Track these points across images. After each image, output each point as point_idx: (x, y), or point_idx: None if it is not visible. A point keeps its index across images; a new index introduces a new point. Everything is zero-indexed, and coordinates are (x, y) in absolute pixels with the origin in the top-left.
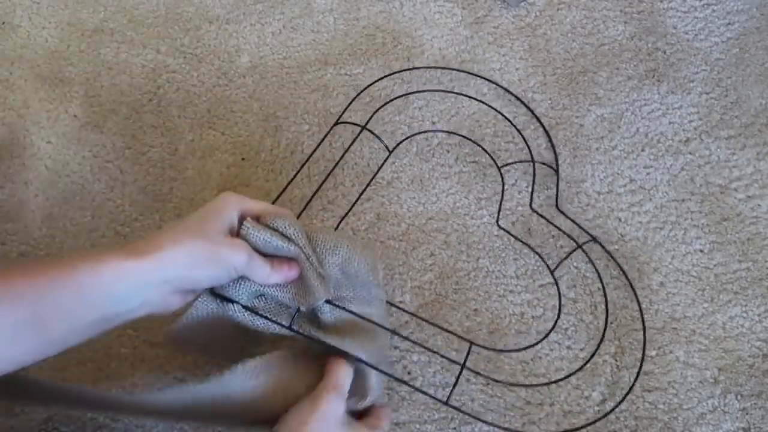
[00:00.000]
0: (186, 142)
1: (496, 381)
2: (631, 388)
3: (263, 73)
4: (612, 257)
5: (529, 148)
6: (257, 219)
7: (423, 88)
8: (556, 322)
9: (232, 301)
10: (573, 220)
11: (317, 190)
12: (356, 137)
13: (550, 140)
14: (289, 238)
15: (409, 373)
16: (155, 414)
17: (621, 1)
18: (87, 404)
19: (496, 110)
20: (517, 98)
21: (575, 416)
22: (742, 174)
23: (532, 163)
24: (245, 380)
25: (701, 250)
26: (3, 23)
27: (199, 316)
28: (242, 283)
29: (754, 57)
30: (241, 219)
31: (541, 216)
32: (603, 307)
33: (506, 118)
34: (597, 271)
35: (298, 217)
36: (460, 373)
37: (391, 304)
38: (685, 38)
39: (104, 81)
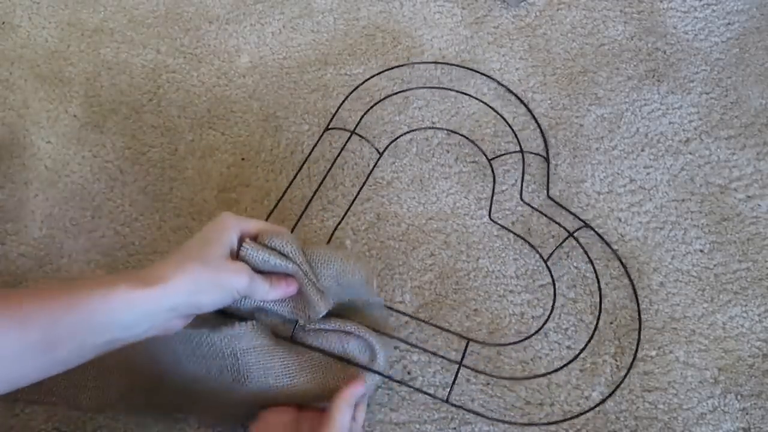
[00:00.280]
0: (186, 142)
1: (493, 376)
2: (624, 378)
3: (263, 73)
4: (607, 243)
5: (517, 138)
6: (255, 238)
7: (422, 90)
8: (550, 313)
9: (234, 317)
10: (564, 207)
11: (312, 198)
12: (346, 142)
13: (539, 127)
14: (286, 256)
15: (409, 373)
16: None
17: (621, 1)
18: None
19: (486, 104)
20: (502, 85)
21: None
22: (742, 174)
23: (521, 154)
24: (252, 339)
25: (701, 250)
26: (3, 23)
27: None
28: (243, 299)
29: (754, 57)
30: (240, 240)
31: (531, 207)
32: (603, 307)
33: (495, 110)
34: (589, 257)
35: (299, 218)
36: (458, 370)
37: (390, 308)
38: (685, 38)
39: (104, 81)
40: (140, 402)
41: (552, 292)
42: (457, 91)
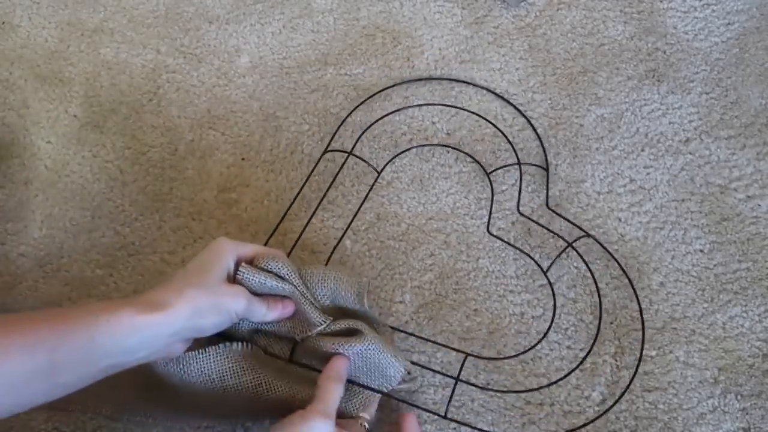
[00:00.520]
0: (186, 142)
1: (488, 389)
2: (629, 385)
3: (263, 73)
4: (607, 251)
5: (515, 150)
6: (251, 262)
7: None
8: (550, 325)
9: (233, 340)
10: (564, 217)
11: (309, 220)
12: (343, 163)
13: (538, 137)
14: (283, 278)
15: (409, 373)
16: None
17: (621, 1)
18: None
19: (485, 119)
20: (499, 96)
21: (575, 416)
22: (742, 174)
23: (518, 166)
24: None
25: (701, 250)
26: (3, 23)
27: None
28: (241, 321)
29: (754, 57)
30: (237, 264)
31: (529, 219)
32: (603, 307)
33: (494, 125)
34: (588, 266)
35: (297, 240)
36: (455, 387)
37: (392, 327)
38: (685, 38)
39: (104, 81)
40: (161, 412)
41: (558, 290)
42: (454, 107)
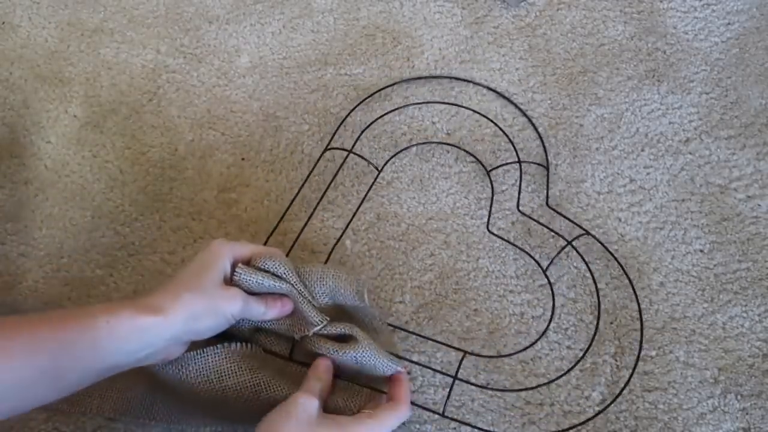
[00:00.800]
0: (186, 142)
1: (487, 388)
2: (629, 380)
3: (263, 73)
4: (607, 249)
5: (515, 148)
6: (248, 262)
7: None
8: (549, 323)
9: (234, 338)
10: (564, 216)
11: (308, 219)
12: (343, 161)
13: (539, 135)
14: (280, 277)
15: (409, 373)
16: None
17: (621, 1)
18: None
19: (485, 116)
20: (500, 94)
21: (575, 416)
22: (742, 174)
23: (518, 164)
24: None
25: (701, 250)
26: (3, 23)
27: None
28: (241, 321)
29: (754, 57)
30: (234, 265)
31: (529, 217)
32: (603, 307)
33: (494, 122)
34: (587, 265)
35: (296, 240)
36: (452, 385)
37: (390, 325)
38: (685, 38)
39: (104, 81)
40: (162, 413)
41: (558, 290)
42: (456, 105)
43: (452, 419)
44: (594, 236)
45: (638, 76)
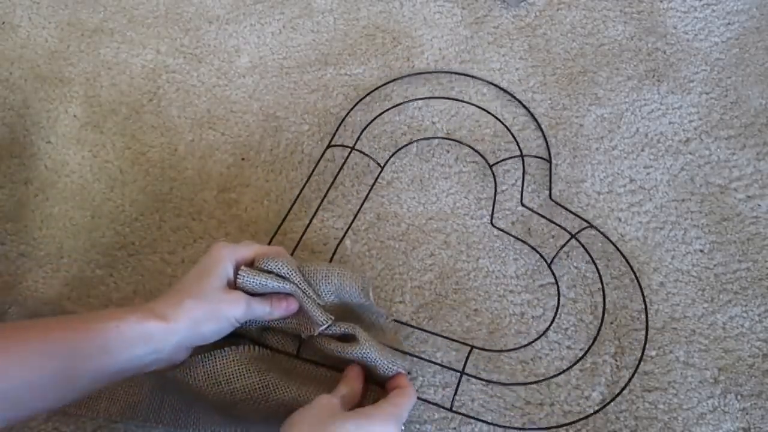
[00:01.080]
0: (186, 142)
1: (495, 383)
2: (631, 377)
3: (263, 73)
4: (611, 241)
5: (517, 142)
6: (251, 263)
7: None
8: (554, 317)
9: (241, 339)
10: (567, 209)
11: (321, 202)
12: (346, 158)
13: (540, 128)
14: (284, 278)
15: (409, 373)
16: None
17: (621, 1)
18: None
19: (486, 111)
20: (502, 90)
21: (575, 416)
22: (742, 174)
23: (521, 158)
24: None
25: (701, 250)
26: (3, 23)
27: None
28: (247, 321)
29: (754, 57)
30: (237, 268)
31: (532, 211)
32: (603, 307)
33: (495, 116)
34: (592, 258)
35: (299, 241)
36: (460, 378)
37: (396, 321)
38: (685, 38)
39: (104, 81)
40: (169, 418)
41: (554, 292)
42: (456, 99)
43: (461, 414)
44: (597, 228)
45: (638, 76)
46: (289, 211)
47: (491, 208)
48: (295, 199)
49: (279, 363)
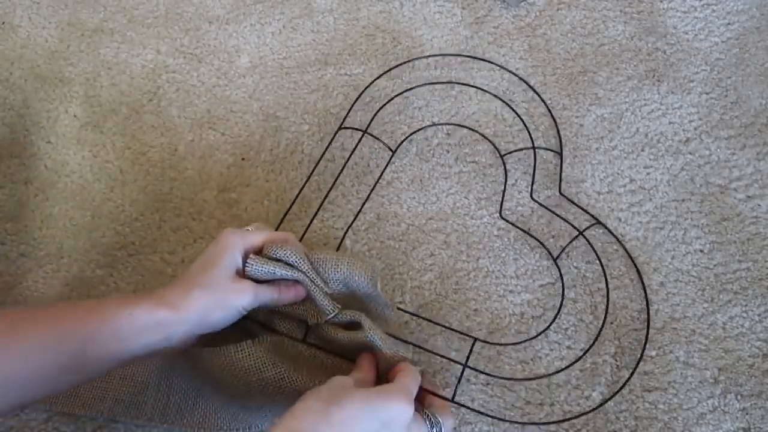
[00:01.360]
0: (186, 142)
1: (497, 377)
2: (630, 377)
3: (263, 73)
4: (617, 238)
5: (529, 133)
6: (260, 250)
7: (419, 84)
8: (558, 311)
9: (254, 323)
10: (577, 204)
11: (322, 202)
12: (358, 142)
13: (553, 118)
14: (292, 266)
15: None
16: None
17: (621, 1)
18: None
19: (500, 98)
20: (513, 73)
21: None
22: (742, 174)
23: (533, 150)
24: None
25: (701, 250)
26: (3, 23)
27: None
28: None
29: (754, 57)
30: (245, 255)
31: (542, 205)
32: (603, 307)
33: (507, 103)
34: (597, 254)
35: (307, 227)
36: (463, 370)
37: (399, 309)
38: (685, 38)
39: (104, 81)
40: (174, 417)
41: (554, 292)
42: (466, 84)
43: (463, 405)
44: (605, 225)
45: (638, 76)
46: (288, 211)
47: (497, 207)
48: (295, 198)
49: (288, 349)
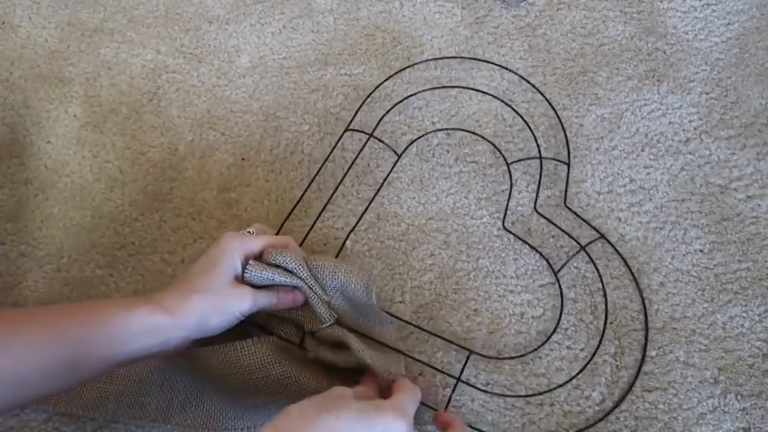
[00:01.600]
0: (186, 142)
1: (492, 393)
2: (631, 386)
3: (263, 73)
4: (619, 254)
5: (537, 142)
6: (260, 256)
7: (424, 88)
8: (557, 325)
9: (253, 325)
10: (581, 218)
11: (326, 205)
12: (364, 144)
13: (563, 128)
14: (291, 272)
15: (409, 373)
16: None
17: (621, 1)
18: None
19: (505, 103)
20: (517, 75)
21: (575, 416)
22: (742, 174)
23: (539, 160)
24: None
25: (701, 250)
26: (3, 23)
27: None
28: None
29: (754, 57)
30: (245, 260)
31: (545, 218)
32: (603, 307)
33: (515, 110)
34: (598, 271)
35: (310, 229)
36: (456, 384)
37: (390, 314)
38: (685, 38)
39: (104, 81)
40: (178, 417)
41: (554, 292)
42: (468, 88)
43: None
44: (608, 240)
45: (638, 76)
46: (290, 214)
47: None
48: (297, 202)
49: (293, 350)
